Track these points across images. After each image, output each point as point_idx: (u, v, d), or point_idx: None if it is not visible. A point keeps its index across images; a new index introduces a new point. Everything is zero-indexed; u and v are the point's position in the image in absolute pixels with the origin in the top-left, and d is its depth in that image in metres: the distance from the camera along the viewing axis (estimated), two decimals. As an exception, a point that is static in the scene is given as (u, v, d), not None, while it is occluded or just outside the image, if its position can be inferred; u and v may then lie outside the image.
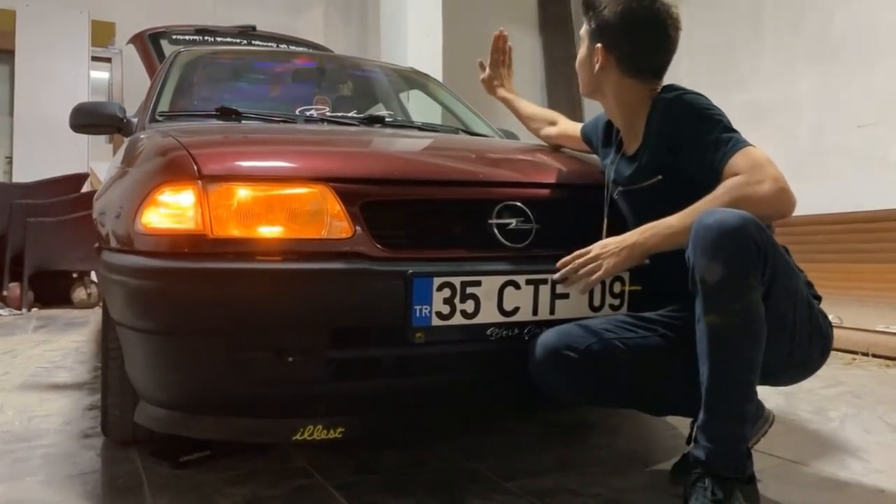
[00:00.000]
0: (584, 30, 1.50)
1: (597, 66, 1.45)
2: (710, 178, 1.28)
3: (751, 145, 1.29)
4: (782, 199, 1.24)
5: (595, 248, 1.34)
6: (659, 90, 1.42)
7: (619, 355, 1.33)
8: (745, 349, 1.17)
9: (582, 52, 1.50)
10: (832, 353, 2.87)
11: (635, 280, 1.43)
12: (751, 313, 1.16)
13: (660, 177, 1.38)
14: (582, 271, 1.32)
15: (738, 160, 1.27)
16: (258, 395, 1.31)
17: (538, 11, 7.09)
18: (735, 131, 1.32)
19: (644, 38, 1.42)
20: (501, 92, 1.90)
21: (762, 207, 1.22)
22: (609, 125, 1.59)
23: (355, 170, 1.42)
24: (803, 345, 1.32)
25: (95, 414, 1.94)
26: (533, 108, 1.91)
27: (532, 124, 1.88)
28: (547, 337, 1.34)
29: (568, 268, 1.34)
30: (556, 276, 1.35)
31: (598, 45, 1.44)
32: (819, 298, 1.41)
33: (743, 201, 1.22)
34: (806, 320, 1.31)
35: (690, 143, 1.33)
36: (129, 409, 1.52)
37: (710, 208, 1.22)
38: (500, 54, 1.89)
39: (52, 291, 4.90)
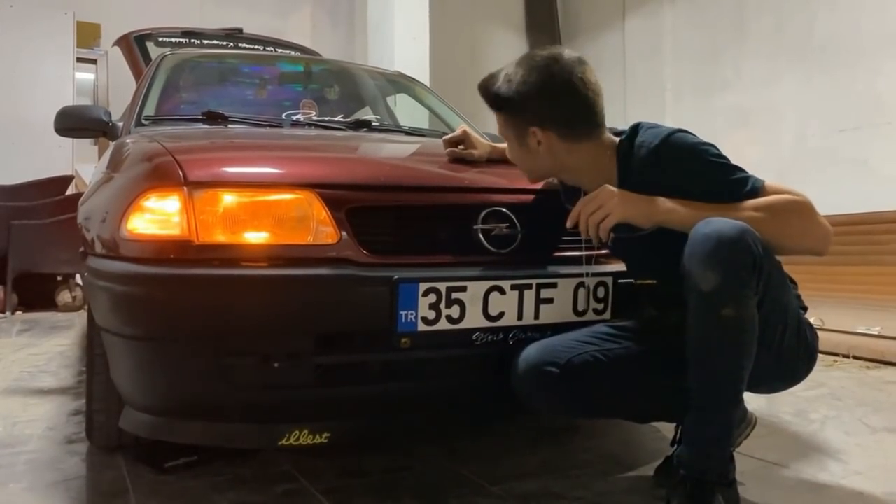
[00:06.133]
0: (501, 128, 1.42)
1: (542, 148, 1.36)
2: None
3: (764, 181, 1.27)
4: (828, 237, 1.25)
5: (603, 194, 1.29)
6: (621, 135, 1.38)
7: (601, 367, 1.33)
8: (735, 357, 1.19)
9: (513, 147, 1.42)
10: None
11: (647, 276, 1.43)
12: (744, 323, 1.17)
13: (654, 226, 1.29)
14: (594, 216, 1.28)
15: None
16: (244, 401, 1.32)
17: (524, 14, 7.11)
18: (740, 168, 1.29)
19: (570, 100, 1.33)
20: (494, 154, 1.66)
21: (807, 238, 1.25)
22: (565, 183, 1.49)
23: (341, 176, 1.43)
24: (790, 359, 1.32)
25: (80, 419, 1.93)
26: None
27: None
28: (528, 353, 1.35)
29: (577, 214, 1.31)
30: (567, 223, 1.33)
31: (532, 128, 1.35)
32: (805, 309, 1.42)
33: (794, 226, 1.23)
34: (794, 335, 1.31)
35: (698, 188, 1.27)
36: (114, 415, 1.52)
37: (714, 217, 1.19)
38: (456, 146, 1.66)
39: (36, 294, 4.86)
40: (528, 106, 1.34)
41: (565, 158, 1.37)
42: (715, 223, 1.17)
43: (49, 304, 4.90)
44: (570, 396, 1.34)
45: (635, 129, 1.37)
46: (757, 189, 1.26)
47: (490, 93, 1.38)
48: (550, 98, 1.32)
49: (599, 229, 1.28)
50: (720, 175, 1.28)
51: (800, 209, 1.24)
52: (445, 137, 1.67)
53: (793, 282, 1.44)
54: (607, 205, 1.28)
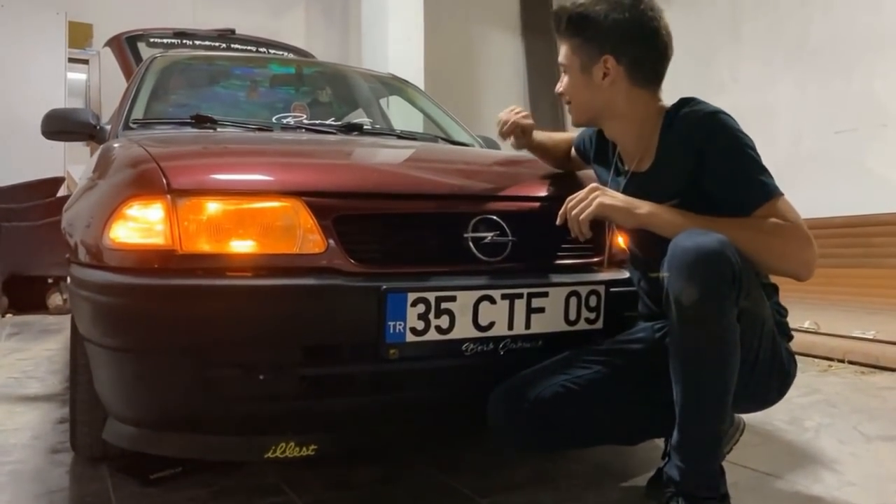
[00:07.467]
0: (566, 55, 1.39)
1: (606, 81, 1.35)
2: (732, 214, 1.24)
3: (782, 194, 1.25)
4: (810, 264, 1.23)
5: (587, 189, 1.31)
6: (671, 103, 1.37)
7: (573, 396, 1.32)
8: (718, 370, 1.16)
9: (573, 76, 1.39)
10: (809, 359, 2.92)
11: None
12: (725, 336, 1.15)
13: (678, 200, 1.29)
14: (575, 210, 1.30)
15: (771, 212, 1.22)
16: (229, 413, 1.29)
17: (520, 15, 7.10)
18: (766, 171, 1.27)
19: (651, 44, 1.35)
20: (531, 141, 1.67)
21: (789, 262, 1.22)
22: (601, 141, 1.51)
23: (328, 183, 1.40)
24: (762, 378, 1.29)
25: (66, 427, 1.90)
26: (557, 146, 1.71)
27: (563, 165, 1.71)
28: (497, 393, 1.35)
29: (564, 209, 1.33)
30: (557, 220, 1.35)
31: (607, 55, 1.34)
32: (790, 337, 1.40)
33: (774, 249, 1.21)
34: (769, 354, 1.29)
35: (720, 171, 1.26)
36: (98, 426, 1.49)
37: (696, 230, 1.18)
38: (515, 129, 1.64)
39: (27, 297, 4.81)
40: (611, 33, 1.33)
41: (621, 101, 1.37)
42: (695, 236, 1.15)
43: (40, 306, 4.85)
44: (546, 430, 1.33)
45: (685, 100, 1.36)
46: (770, 200, 1.23)
47: (573, 13, 1.36)
48: (635, 32, 1.33)
49: (580, 223, 1.30)
50: (746, 170, 1.25)
51: (785, 233, 1.21)
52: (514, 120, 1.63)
53: (784, 309, 1.41)
54: (588, 199, 1.29)
